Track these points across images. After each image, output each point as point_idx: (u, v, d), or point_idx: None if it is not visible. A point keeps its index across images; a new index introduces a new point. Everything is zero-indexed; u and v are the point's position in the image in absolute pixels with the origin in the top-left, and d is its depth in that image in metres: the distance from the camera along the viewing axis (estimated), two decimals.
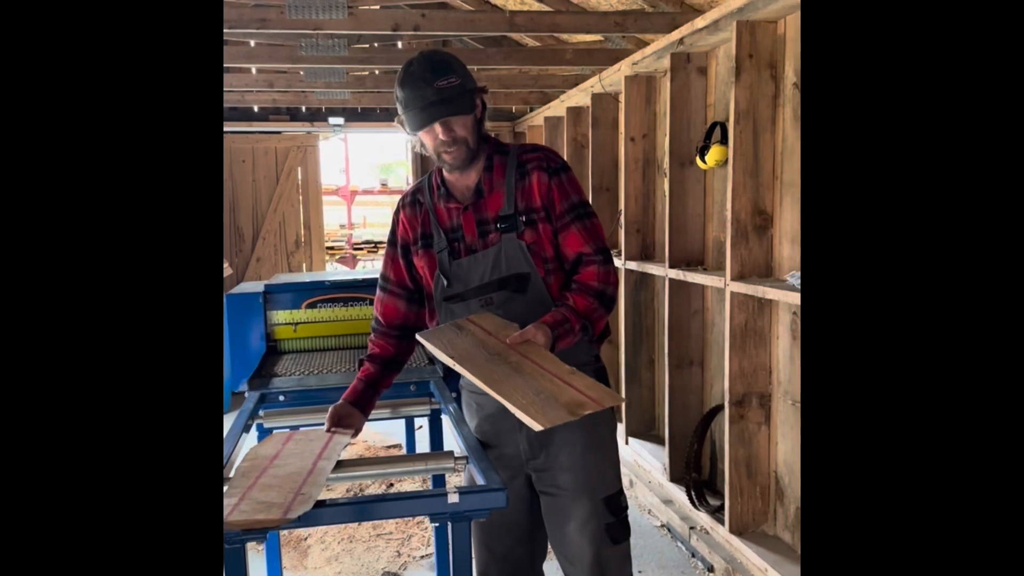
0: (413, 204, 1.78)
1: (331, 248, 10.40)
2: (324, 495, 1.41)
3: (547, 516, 1.73)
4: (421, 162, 6.69)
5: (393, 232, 1.82)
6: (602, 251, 1.69)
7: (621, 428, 3.86)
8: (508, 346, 1.51)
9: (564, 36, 4.29)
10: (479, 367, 1.46)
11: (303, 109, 6.30)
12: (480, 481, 1.49)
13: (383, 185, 12.62)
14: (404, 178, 12.21)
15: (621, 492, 1.73)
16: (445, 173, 1.72)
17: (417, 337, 1.63)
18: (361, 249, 11.17)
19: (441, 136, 1.61)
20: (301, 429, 2.19)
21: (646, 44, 3.48)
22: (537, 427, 1.29)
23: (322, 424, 2.17)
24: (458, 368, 1.48)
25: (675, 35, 3.02)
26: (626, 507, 1.74)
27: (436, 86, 1.57)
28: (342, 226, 11.69)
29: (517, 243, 1.65)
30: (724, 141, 2.83)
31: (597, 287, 1.65)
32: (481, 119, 1.68)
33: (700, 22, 2.79)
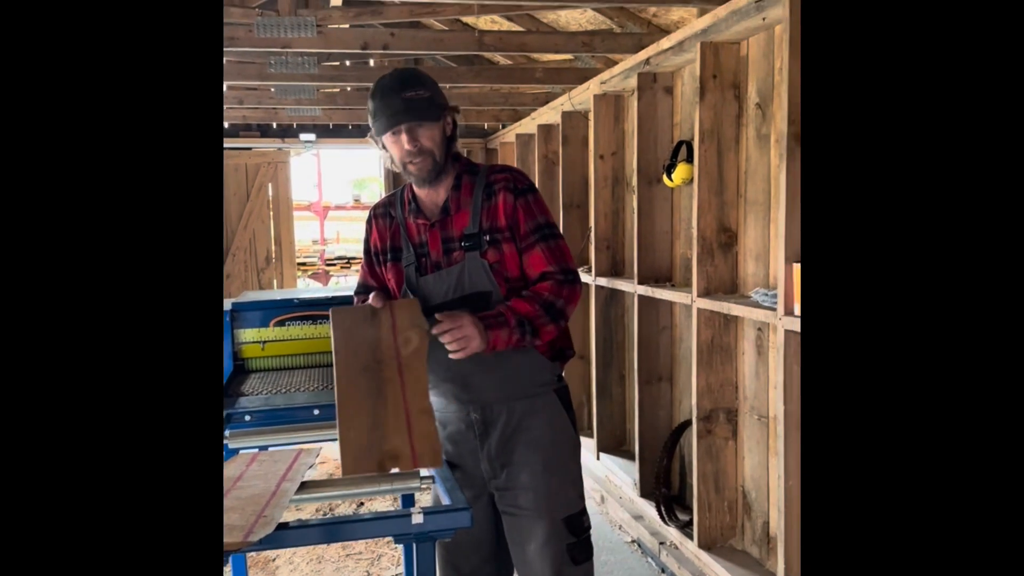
0: (385, 216, 1.80)
1: (303, 264, 10.35)
2: (291, 516, 1.40)
3: (509, 536, 1.73)
4: (393, 178, 6.69)
5: (367, 240, 1.84)
6: (566, 271, 1.69)
7: (592, 444, 3.87)
8: (395, 356, 1.54)
9: (534, 55, 4.34)
10: (348, 375, 1.50)
11: (274, 125, 6.28)
12: (445, 501, 1.49)
13: (356, 200, 12.60)
14: (377, 193, 12.20)
15: (583, 512, 1.73)
16: (415, 188, 1.73)
17: (330, 311, 1.63)
18: (334, 265, 11.13)
19: (407, 145, 1.63)
20: (268, 449, 2.18)
21: (614, 63, 3.53)
22: (342, 471, 1.37)
23: (289, 444, 2.16)
24: (333, 364, 1.53)
25: (642, 55, 3.07)
26: (588, 527, 1.73)
27: (404, 96, 1.60)
28: (315, 242, 11.64)
29: (480, 262, 1.66)
30: (690, 160, 2.87)
31: (546, 296, 1.64)
32: (451, 137, 1.70)
33: (666, 43, 2.84)
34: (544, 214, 1.72)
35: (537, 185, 3.59)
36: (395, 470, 1.42)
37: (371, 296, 1.64)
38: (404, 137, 1.62)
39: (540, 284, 1.67)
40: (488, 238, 1.67)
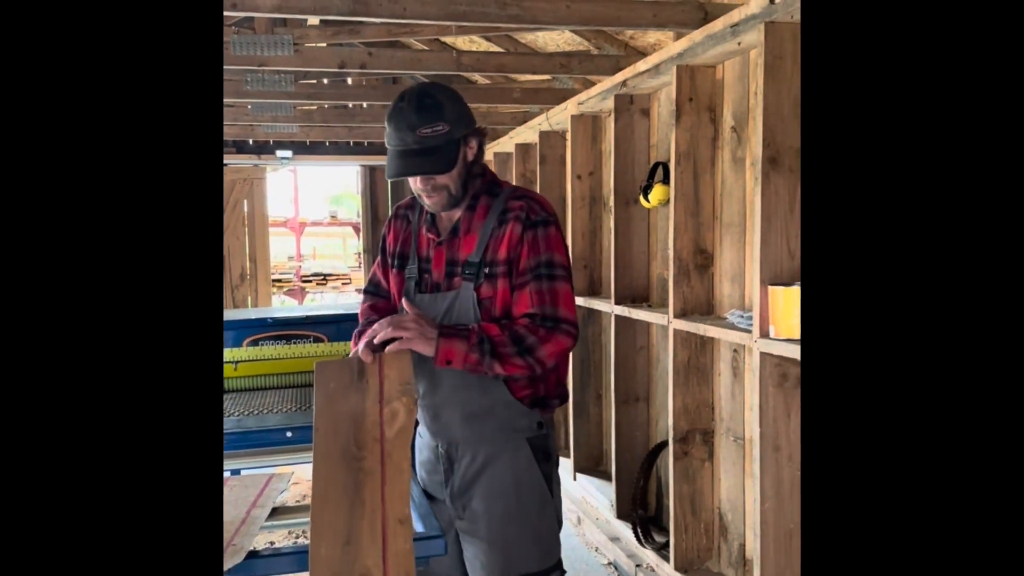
0: (403, 218, 1.74)
1: (279, 280, 10.26)
2: (263, 540, 1.37)
3: None
4: (371, 195, 6.68)
5: (384, 238, 1.76)
6: (550, 318, 1.53)
7: (569, 464, 3.85)
8: (379, 438, 1.42)
9: (513, 75, 4.36)
10: (327, 463, 1.39)
11: (250, 142, 6.24)
12: (419, 529, 1.47)
13: (333, 217, 12.56)
14: (355, 210, 12.16)
15: (547, 571, 1.62)
16: None
17: (315, 365, 1.48)
18: (310, 281, 11.06)
19: (419, 184, 1.56)
20: (241, 472, 2.14)
21: (592, 84, 3.55)
22: None
23: (261, 467, 2.12)
24: (314, 442, 1.41)
25: (619, 77, 3.09)
26: None
27: (419, 133, 1.49)
28: (291, 258, 11.56)
29: (472, 295, 1.57)
30: (666, 181, 2.89)
31: (517, 329, 1.51)
32: (474, 161, 1.60)
33: (642, 65, 2.86)
34: (553, 251, 1.57)
35: None
36: None
37: (360, 347, 1.50)
38: (417, 177, 1.55)
39: (518, 320, 1.55)
40: (487, 271, 1.56)
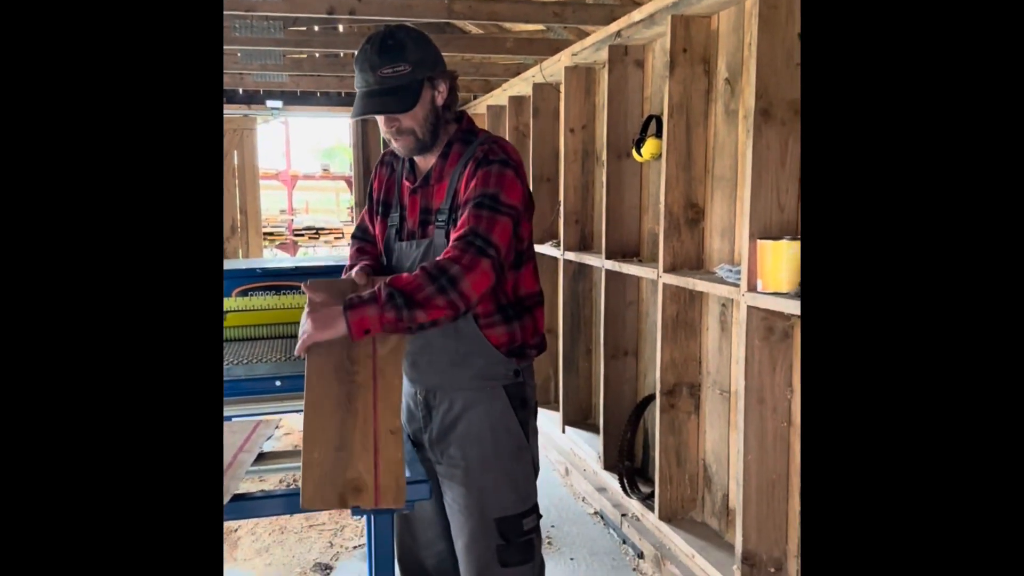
0: (388, 165, 1.74)
1: (271, 234, 10.21)
2: (256, 486, 1.39)
3: (450, 525, 1.68)
4: (363, 147, 6.61)
5: (370, 184, 1.78)
6: (477, 235, 1.44)
7: (558, 417, 3.89)
8: (371, 354, 1.42)
9: (506, 25, 4.28)
10: (320, 373, 1.40)
11: (239, 91, 6.15)
12: (406, 473, 1.49)
13: (325, 170, 12.43)
14: (347, 164, 12.05)
15: (524, 515, 1.62)
16: None
17: (307, 283, 1.48)
18: (302, 235, 11.00)
19: (384, 127, 1.57)
20: (232, 420, 2.15)
21: (586, 35, 3.49)
22: (301, 501, 1.31)
23: (250, 415, 2.13)
24: (307, 358, 1.42)
25: (613, 27, 3.04)
26: (529, 531, 1.63)
27: (380, 74, 1.49)
28: (283, 211, 11.48)
29: (443, 243, 1.55)
30: (659, 135, 2.86)
31: (438, 262, 1.42)
32: (444, 105, 1.58)
33: (637, 15, 2.82)
34: (499, 186, 1.50)
35: None
36: (352, 505, 1.33)
37: (355, 270, 1.54)
38: (381, 119, 1.55)
39: (444, 250, 1.46)
40: (455, 217, 1.55)
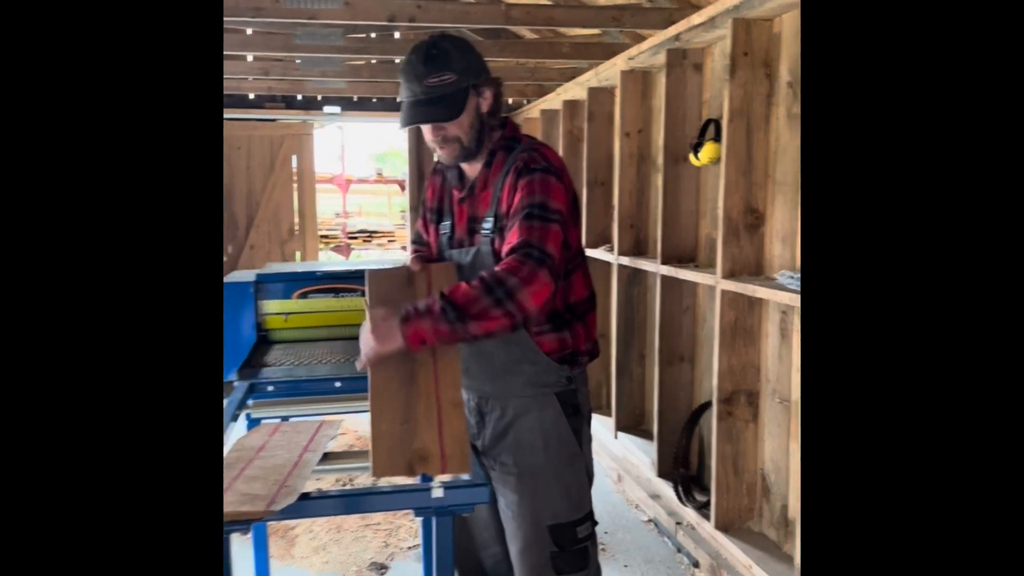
0: (440, 174, 1.76)
1: (326, 237, 10.39)
2: (312, 486, 1.41)
3: (505, 530, 1.69)
4: (417, 152, 6.68)
5: (425, 194, 1.82)
6: (532, 246, 1.43)
7: (611, 422, 3.87)
8: None
9: (562, 29, 4.29)
10: (384, 360, 1.46)
11: (299, 97, 6.28)
12: (465, 475, 1.50)
13: (378, 174, 12.60)
14: (399, 169, 12.20)
15: (577, 522, 1.62)
16: None
17: (366, 273, 1.56)
18: (356, 238, 11.16)
19: (429, 135, 1.59)
20: (290, 420, 2.20)
21: (643, 39, 3.47)
22: (371, 472, 1.35)
23: (311, 415, 2.17)
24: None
25: (672, 31, 3.02)
26: (583, 538, 1.62)
27: (426, 83, 1.51)
28: (337, 215, 11.66)
29: (490, 251, 1.58)
30: (718, 139, 2.83)
31: (496, 274, 1.41)
32: (489, 112, 1.59)
33: (696, 18, 2.79)
34: (544, 194, 1.50)
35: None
36: (421, 473, 1.39)
37: (410, 258, 1.60)
38: (427, 128, 1.57)
39: (501, 262, 1.46)
40: (500, 225, 1.57)
